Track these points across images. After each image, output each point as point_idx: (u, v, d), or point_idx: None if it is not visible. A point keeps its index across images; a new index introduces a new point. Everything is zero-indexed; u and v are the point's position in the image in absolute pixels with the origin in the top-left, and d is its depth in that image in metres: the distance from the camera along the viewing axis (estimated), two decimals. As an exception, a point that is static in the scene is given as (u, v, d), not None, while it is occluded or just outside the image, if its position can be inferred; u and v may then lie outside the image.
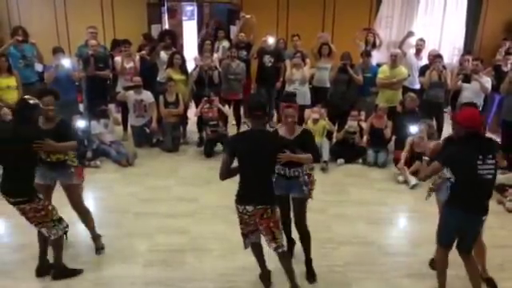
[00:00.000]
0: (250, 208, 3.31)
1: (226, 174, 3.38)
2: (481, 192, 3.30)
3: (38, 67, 7.22)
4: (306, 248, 3.80)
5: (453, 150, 3.41)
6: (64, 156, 3.84)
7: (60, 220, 3.62)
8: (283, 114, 3.73)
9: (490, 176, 3.24)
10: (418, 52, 7.53)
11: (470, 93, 6.46)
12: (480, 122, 3.38)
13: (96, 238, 4.14)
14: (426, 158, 4.26)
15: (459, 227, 3.39)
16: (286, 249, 3.52)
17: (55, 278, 3.72)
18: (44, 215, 3.51)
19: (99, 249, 4.11)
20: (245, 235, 3.49)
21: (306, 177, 3.68)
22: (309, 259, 3.82)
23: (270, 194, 3.36)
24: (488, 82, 6.49)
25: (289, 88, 7.01)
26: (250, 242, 3.52)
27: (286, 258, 3.52)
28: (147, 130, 6.95)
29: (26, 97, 3.63)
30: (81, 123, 6.10)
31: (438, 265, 3.62)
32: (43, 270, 3.78)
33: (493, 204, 5.26)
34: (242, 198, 3.35)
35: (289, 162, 3.43)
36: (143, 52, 7.22)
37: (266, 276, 3.71)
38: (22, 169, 3.46)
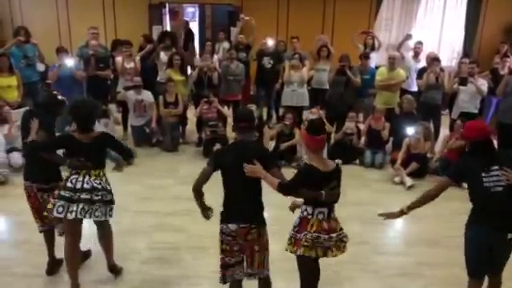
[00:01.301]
0: (232, 226, 3.02)
1: (200, 184, 3.18)
2: (494, 206, 3.04)
3: (40, 67, 7.32)
4: None
5: (460, 164, 3.34)
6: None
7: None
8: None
9: (499, 188, 3.02)
10: (416, 55, 7.60)
11: (466, 95, 6.52)
12: (484, 131, 3.19)
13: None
14: None
15: (483, 247, 3.11)
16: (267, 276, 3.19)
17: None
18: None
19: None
20: (225, 266, 3.10)
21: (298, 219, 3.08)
22: None
23: (255, 212, 3.08)
24: (484, 85, 6.53)
25: (287, 89, 7.08)
26: (232, 277, 3.12)
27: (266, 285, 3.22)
28: (147, 130, 7.03)
29: (54, 92, 3.77)
30: None
31: None
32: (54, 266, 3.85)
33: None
34: (224, 216, 3.10)
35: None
36: (141, 53, 7.27)
37: None
38: None
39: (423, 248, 4.43)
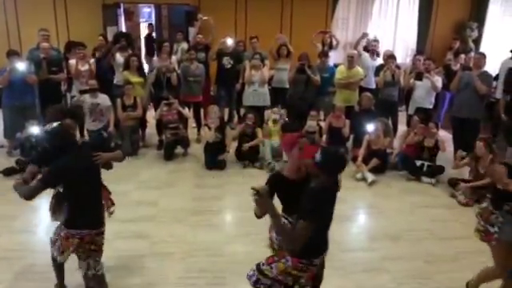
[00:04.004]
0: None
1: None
2: None
3: (-12, 71, 6.93)
4: None
5: None
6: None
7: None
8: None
9: None
10: (373, 52, 7.74)
11: (422, 91, 6.71)
12: None
13: None
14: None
15: None
16: None
17: None
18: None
19: None
20: None
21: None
22: None
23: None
24: (438, 80, 6.74)
25: (248, 89, 7.04)
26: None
27: None
28: (105, 135, 6.80)
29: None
30: (34, 129, 5.90)
31: None
32: None
33: (445, 198, 5.52)
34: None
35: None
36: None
37: None
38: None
39: (387, 242, 4.50)
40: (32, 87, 6.50)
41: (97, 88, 6.63)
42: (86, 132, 6.94)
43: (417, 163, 6.05)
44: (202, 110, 7.44)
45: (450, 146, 6.44)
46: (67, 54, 7.29)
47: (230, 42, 7.54)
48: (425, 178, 5.96)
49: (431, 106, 6.85)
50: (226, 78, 7.56)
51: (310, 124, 6.64)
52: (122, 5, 9.91)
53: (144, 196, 5.40)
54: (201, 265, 3.98)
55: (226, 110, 7.87)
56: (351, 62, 6.95)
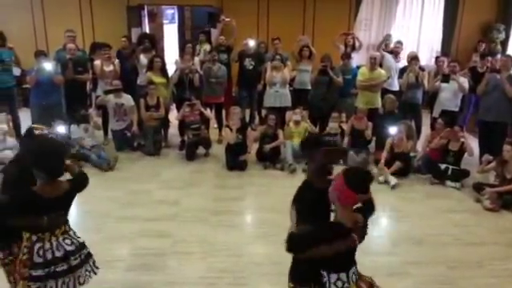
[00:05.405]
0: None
1: None
2: None
3: (16, 71, 7.12)
4: None
5: None
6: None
7: None
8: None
9: None
10: (396, 54, 7.65)
11: (448, 93, 6.60)
12: None
13: None
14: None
15: None
16: None
17: None
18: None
19: None
20: None
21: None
22: None
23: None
24: (465, 82, 6.62)
25: (270, 90, 7.05)
26: None
27: None
28: (128, 134, 6.90)
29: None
30: (60, 128, 6.03)
31: None
32: None
33: (470, 202, 5.41)
34: None
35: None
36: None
37: None
38: None
39: (409, 247, 4.43)
40: (58, 87, 6.64)
41: (121, 88, 6.74)
42: (110, 131, 7.07)
43: (441, 167, 5.94)
44: (223, 111, 7.48)
45: (475, 150, 6.32)
46: (92, 55, 7.43)
47: (251, 43, 7.56)
48: (449, 182, 5.85)
49: (457, 109, 6.72)
50: (247, 79, 7.59)
51: (332, 126, 6.61)
52: (145, 6, 10.04)
53: (166, 195, 5.45)
54: (221, 265, 4.00)
55: (248, 111, 7.89)
56: (374, 63, 6.89)
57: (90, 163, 6.23)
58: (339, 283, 2.30)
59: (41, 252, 2.59)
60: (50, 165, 2.54)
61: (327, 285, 2.31)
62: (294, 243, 2.22)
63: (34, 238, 2.60)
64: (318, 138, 2.84)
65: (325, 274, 2.32)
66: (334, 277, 2.30)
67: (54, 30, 8.64)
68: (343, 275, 2.31)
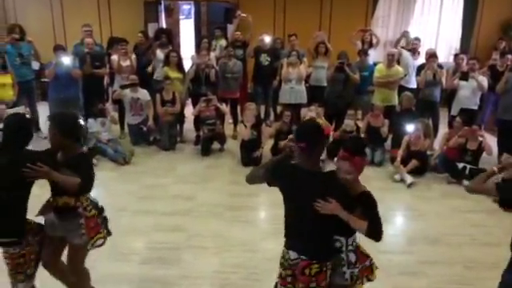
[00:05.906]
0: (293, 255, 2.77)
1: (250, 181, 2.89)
2: None
3: (35, 65, 7.23)
4: None
5: None
6: (75, 201, 2.90)
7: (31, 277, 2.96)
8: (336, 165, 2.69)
9: None
10: (414, 51, 7.56)
11: (467, 91, 6.50)
12: None
13: None
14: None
15: None
16: None
17: None
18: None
19: None
20: None
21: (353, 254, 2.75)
22: None
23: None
24: (484, 80, 6.51)
25: (285, 87, 7.02)
26: None
27: None
28: (144, 129, 6.95)
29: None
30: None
31: None
32: None
33: (488, 202, 5.33)
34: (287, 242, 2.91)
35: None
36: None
37: None
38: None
39: (425, 246, 4.39)
40: (76, 81, 6.72)
41: (137, 83, 6.79)
42: (126, 126, 7.13)
43: (459, 166, 5.87)
44: (238, 107, 7.48)
45: (493, 149, 6.22)
46: (109, 50, 7.49)
47: (267, 39, 7.54)
48: (466, 182, 5.77)
49: (476, 107, 6.62)
50: (263, 75, 7.57)
51: (348, 123, 6.56)
52: (162, 2, 10.08)
53: (181, 190, 5.49)
54: (235, 260, 4.01)
55: (263, 108, 7.89)
56: (391, 60, 6.81)
57: (107, 157, 6.30)
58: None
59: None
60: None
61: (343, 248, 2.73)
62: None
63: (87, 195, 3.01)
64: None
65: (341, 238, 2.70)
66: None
67: (72, 24, 8.73)
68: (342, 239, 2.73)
